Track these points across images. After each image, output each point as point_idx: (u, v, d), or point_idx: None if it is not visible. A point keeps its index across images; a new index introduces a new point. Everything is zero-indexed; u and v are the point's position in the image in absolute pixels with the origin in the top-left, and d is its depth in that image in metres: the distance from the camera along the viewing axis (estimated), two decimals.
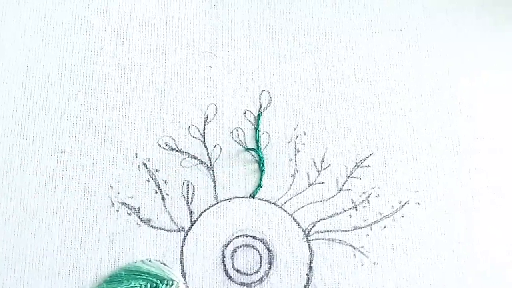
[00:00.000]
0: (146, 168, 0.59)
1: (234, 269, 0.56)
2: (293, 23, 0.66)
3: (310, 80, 0.64)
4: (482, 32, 0.68)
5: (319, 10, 0.67)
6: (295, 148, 0.61)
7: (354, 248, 0.58)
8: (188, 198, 0.58)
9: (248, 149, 0.60)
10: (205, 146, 0.60)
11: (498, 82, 0.66)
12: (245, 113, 0.62)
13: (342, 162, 0.61)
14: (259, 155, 0.60)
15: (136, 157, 0.59)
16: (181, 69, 0.63)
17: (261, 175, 0.60)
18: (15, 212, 0.56)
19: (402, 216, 0.59)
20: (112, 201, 0.58)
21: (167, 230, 0.57)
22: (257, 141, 0.61)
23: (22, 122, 0.59)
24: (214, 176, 0.59)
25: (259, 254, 0.57)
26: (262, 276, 0.56)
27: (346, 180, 0.60)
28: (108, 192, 0.58)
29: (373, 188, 0.60)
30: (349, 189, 0.60)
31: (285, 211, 0.59)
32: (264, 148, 0.61)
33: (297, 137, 0.61)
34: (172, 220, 0.58)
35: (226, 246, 0.57)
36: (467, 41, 0.67)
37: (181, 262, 0.56)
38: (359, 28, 0.67)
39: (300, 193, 0.59)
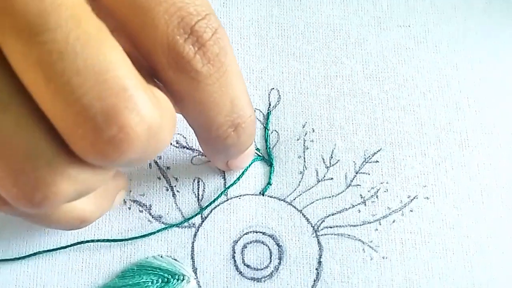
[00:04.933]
0: (157, 166, 0.60)
1: (244, 264, 0.57)
2: (302, 20, 0.66)
3: (319, 77, 0.64)
4: (490, 28, 0.67)
5: (328, 7, 0.67)
6: (304, 145, 0.61)
7: (363, 243, 0.58)
8: (198, 195, 0.59)
9: (257, 149, 0.61)
10: None
11: (507, 77, 0.65)
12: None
13: (350, 158, 0.61)
14: (268, 154, 0.60)
15: None
16: None
17: (271, 173, 0.60)
18: None
19: (411, 211, 0.59)
20: (124, 199, 0.58)
21: (178, 227, 0.58)
22: (266, 140, 0.61)
23: None
24: (224, 173, 0.60)
25: (269, 249, 0.58)
26: (272, 271, 0.57)
27: (355, 175, 0.60)
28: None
29: (381, 183, 0.60)
30: (358, 185, 0.60)
31: (294, 207, 0.59)
32: (273, 147, 0.61)
33: (305, 134, 0.62)
34: (183, 216, 0.58)
35: (237, 242, 0.58)
36: (476, 36, 0.67)
37: (192, 258, 0.57)
38: (367, 24, 0.67)
39: (309, 189, 0.60)
